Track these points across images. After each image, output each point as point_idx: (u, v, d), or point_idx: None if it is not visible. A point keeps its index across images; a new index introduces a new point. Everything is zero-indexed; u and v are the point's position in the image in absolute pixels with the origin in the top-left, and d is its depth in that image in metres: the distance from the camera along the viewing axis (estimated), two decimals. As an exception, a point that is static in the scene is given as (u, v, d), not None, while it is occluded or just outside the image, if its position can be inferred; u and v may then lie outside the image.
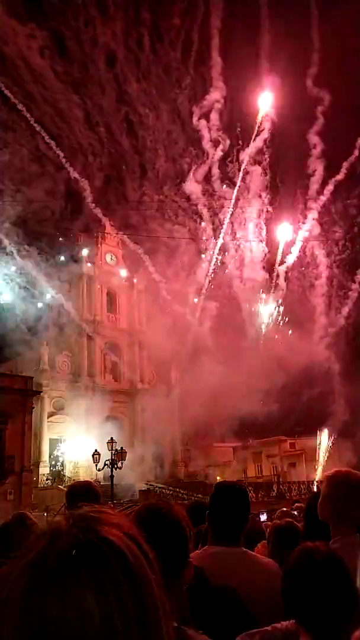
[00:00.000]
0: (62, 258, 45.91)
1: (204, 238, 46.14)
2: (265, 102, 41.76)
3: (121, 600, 0.61)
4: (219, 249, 45.96)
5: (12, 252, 40.98)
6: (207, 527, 2.55)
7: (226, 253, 46.22)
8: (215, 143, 43.86)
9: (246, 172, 44.52)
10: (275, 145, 44.11)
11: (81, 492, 3.34)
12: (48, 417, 41.87)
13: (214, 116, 42.86)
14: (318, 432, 38.72)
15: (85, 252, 47.05)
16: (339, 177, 42.82)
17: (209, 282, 45.52)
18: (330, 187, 43.00)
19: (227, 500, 2.43)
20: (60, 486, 36.29)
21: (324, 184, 43.32)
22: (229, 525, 2.38)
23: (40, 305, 44.31)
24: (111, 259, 49.28)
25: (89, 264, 46.80)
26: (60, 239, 44.82)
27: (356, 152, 42.12)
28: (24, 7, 38.38)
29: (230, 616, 1.92)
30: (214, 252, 45.87)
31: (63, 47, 41.43)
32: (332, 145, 42.93)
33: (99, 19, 40.99)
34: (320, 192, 43.23)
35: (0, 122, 40.01)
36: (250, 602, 2.07)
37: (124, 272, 48.89)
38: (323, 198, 43.25)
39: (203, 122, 43.07)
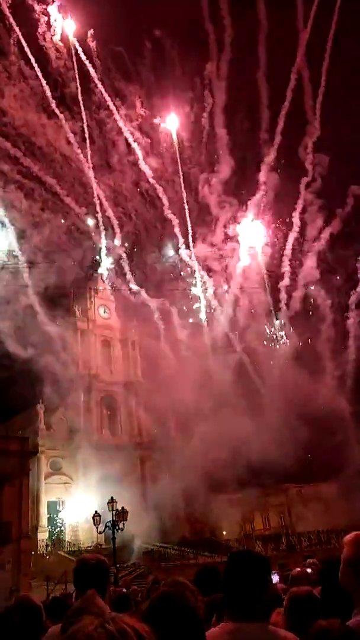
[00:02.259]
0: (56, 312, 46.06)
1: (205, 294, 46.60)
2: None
3: None
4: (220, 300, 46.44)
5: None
6: (223, 599, 2.41)
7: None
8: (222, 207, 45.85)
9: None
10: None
11: (91, 571, 3.26)
12: (45, 479, 40.61)
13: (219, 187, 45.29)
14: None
15: (78, 306, 47.40)
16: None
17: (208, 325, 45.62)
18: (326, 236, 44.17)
19: (244, 571, 2.29)
20: (60, 552, 34.73)
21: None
22: (247, 598, 2.23)
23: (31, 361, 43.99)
24: (104, 311, 49.53)
25: (82, 318, 46.95)
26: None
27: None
28: (54, 103, 42.43)
29: None
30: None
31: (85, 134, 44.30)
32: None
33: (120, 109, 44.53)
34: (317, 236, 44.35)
35: (39, 201, 43.28)
36: None
37: (116, 324, 49.08)
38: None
39: (211, 192, 45.41)
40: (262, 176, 44.85)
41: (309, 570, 6.92)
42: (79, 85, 42.63)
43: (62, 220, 44.97)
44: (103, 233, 45.11)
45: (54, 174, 43.44)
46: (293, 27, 41.29)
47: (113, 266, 46.57)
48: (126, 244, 46.93)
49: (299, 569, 6.15)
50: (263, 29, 41.60)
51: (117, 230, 45.66)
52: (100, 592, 3.04)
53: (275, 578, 6.74)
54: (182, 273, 47.95)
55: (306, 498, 41.72)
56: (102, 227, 45.03)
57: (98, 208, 44.28)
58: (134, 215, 47.95)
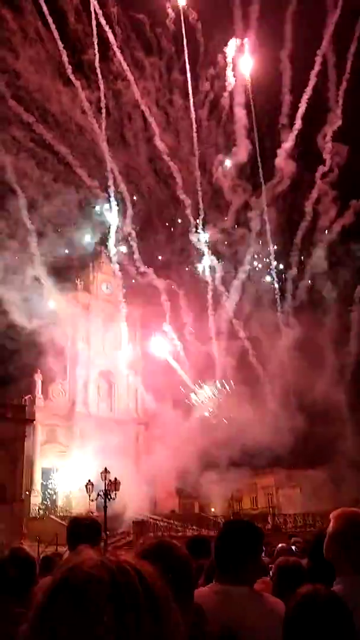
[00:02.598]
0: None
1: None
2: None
3: (140, 626, 0.64)
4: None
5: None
6: (213, 563, 2.58)
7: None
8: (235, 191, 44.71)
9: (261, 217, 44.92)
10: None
11: (83, 529, 3.33)
12: (41, 446, 41.31)
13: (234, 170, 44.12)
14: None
15: (80, 280, 47.33)
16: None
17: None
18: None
19: (238, 537, 2.45)
20: (52, 516, 35.56)
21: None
22: (237, 563, 2.41)
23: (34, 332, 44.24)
24: (107, 287, 49.47)
25: (84, 292, 46.96)
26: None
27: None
28: (70, 70, 40.04)
29: None
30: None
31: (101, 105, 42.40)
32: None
33: (137, 81, 42.34)
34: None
35: (51, 171, 42.18)
36: (256, 642, 2.12)
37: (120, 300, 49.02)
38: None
39: (225, 175, 44.32)
40: (278, 162, 43.50)
41: (292, 547, 7.23)
42: (97, 52, 40.10)
43: (76, 193, 43.61)
44: (115, 209, 44.06)
45: (67, 143, 41.75)
46: (322, 8, 39.34)
47: (120, 244, 45.64)
48: (134, 226, 45.70)
49: (283, 544, 6.42)
50: (291, 6, 40.03)
51: (129, 206, 44.48)
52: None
53: (261, 553, 7.00)
54: (190, 256, 47.32)
55: (294, 482, 42.47)
56: (113, 203, 43.93)
57: (111, 182, 42.76)
58: (146, 193, 46.88)
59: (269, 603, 2.45)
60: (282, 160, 42.98)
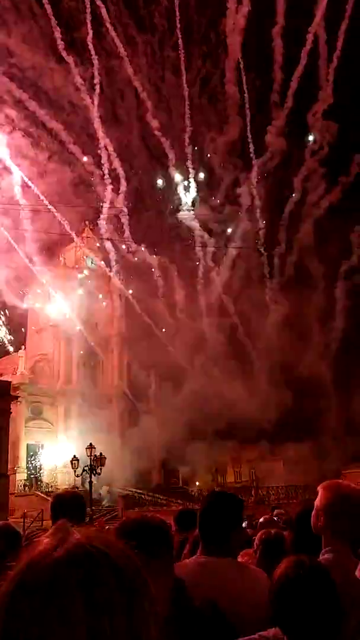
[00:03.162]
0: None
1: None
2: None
3: (112, 614, 0.59)
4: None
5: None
6: (198, 535, 2.57)
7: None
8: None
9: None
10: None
11: (67, 503, 3.27)
12: (26, 423, 41.32)
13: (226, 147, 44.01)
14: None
15: (64, 255, 46.76)
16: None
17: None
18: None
19: (220, 509, 2.44)
20: (37, 492, 35.83)
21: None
22: (221, 535, 2.40)
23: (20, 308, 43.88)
24: (91, 262, 48.98)
25: (67, 267, 46.46)
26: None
27: None
28: (63, 47, 39.61)
29: (209, 633, 1.93)
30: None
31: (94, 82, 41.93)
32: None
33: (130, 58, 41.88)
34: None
35: (45, 149, 42.26)
36: (239, 613, 2.10)
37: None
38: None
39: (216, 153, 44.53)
40: (268, 139, 43.53)
41: (275, 518, 7.34)
42: (90, 30, 39.61)
43: (70, 172, 43.63)
44: (109, 187, 43.77)
45: (61, 121, 41.75)
46: None
47: (107, 219, 45.24)
48: (126, 202, 45.47)
49: (266, 516, 6.51)
50: None
51: (124, 183, 44.06)
52: (76, 524, 3.19)
53: (244, 524, 7.11)
54: (181, 234, 47.18)
55: (278, 455, 43.31)
56: (107, 178, 43.55)
57: (104, 160, 42.58)
58: (139, 170, 46.65)
59: (252, 574, 2.45)
60: (273, 137, 43.24)
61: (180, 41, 41.74)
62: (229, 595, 2.15)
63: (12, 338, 48.87)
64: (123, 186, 43.86)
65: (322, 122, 42.46)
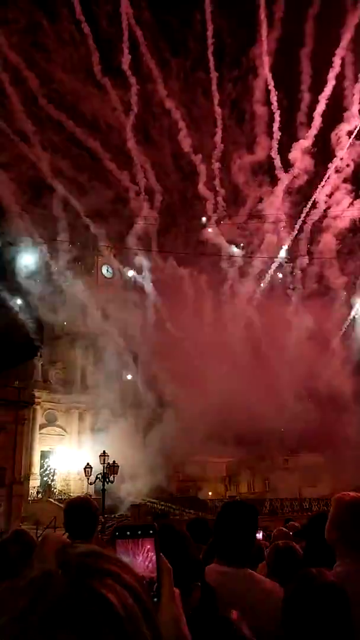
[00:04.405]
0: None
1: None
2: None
3: None
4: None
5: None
6: (213, 545, 2.57)
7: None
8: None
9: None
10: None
11: (79, 510, 3.29)
12: (40, 429, 41.55)
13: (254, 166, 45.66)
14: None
15: (83, 264, 47.24)
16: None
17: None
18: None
19: (237, 519, 2.45)
20: (50, 499, 35.91)
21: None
22: (237, 545, 2.41)
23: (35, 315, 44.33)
24: (107, 270, 49.32)
25: (85, 276, 46.85)
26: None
27: None
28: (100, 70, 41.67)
29: None
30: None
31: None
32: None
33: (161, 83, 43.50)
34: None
35: (84, 169, 43.96)
36: (252, 625, 2.10)
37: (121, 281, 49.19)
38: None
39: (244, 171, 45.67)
40: (294, 157, 44.42)
41: (290, 533, 7.25)
42: (127, 54, 41.40)
43: (107, 189, 45.22)
44: (144, 204, 45.38)
45: (99, 142, 43.49)
46: (342, 8, 39.44)
47: (139, 233, 46.50)
48: (157, 216, 46.86)
49: (280, 528, 6.45)
50: (313, 6, 40.11)
51: (158, 199, 45.59)
52: (88, 531, 3.19)
53: (259, 535, 7.06)
54: (208, 248, 48.00)
55: (292, 466, 42.83)
56: (143, 195, 45.05)
57: (139, 177, 44.50)
58: (170, 188, 47.88)
59: (265, 585, 2.45)
60: (298, 155, 44.34)
61: (211, 64, 43.24)
62: (242, 606, 2.15)
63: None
64: (157, 201, 45.67)
65: (348, 141, 43.43)
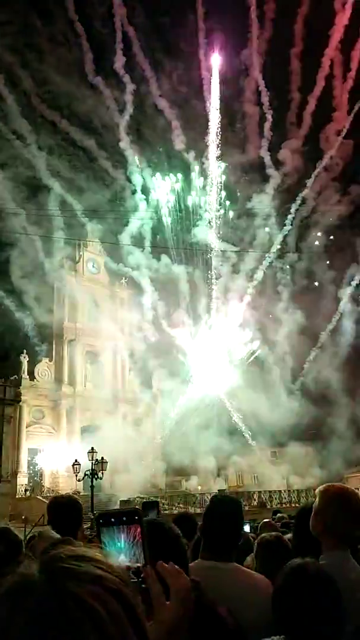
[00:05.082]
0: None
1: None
2: None
3: None
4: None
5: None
6: (200, 540, 2.56)
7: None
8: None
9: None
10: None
11: (63, 507, 3.29)
12: (27, 427, 41.26)
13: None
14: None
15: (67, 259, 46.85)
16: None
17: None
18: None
19: (223, 513, 2.44)
20: (39, 497, 35.71)
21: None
22: (223, 539, 2.39)
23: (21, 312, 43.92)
24: (93, 266, 49.03)
25: (70, 271, 46.51)
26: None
27: None
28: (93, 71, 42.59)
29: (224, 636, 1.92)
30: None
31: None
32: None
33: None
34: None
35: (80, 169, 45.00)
36: (241, 619, 2.08)
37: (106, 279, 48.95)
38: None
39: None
40: (286, 157, 45.39)
41: (278, 523, 7.29)
42: (120, 55, 42.57)
43: (104, 187, 46.18)
44: (144, 204, 46.01)
45: (95, 142, 44.67)
46: (331, 9, 40.36)
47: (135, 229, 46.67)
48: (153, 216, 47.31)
49: (267, 520, 6.48)
50: (302, 7, 41.36)
51: (153, 195, 46.40)
52: (72, 527, 3.17)
53: (246, 528, 7.08)
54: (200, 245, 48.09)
55: (280, 459, 43.21)
56: (139, 194, 45.92)
57: (135, 175, 45.46)
58: (164, 184, 48.37)
59: (252, 579, 2.43)
60: (289, 154, 45.50)
61: (202, 64, 44.45)
62: (231, 600, 2.14)
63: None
64: (152, 196, 46.48)
65: (337, 140, 44.51)
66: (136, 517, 0.98)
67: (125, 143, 44.23)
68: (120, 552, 0.96)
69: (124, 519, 0.98)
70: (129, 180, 45.56)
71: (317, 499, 2.39)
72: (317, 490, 2.46)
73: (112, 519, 0.98)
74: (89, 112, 44.86)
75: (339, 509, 2.28)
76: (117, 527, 0.97)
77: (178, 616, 0.97)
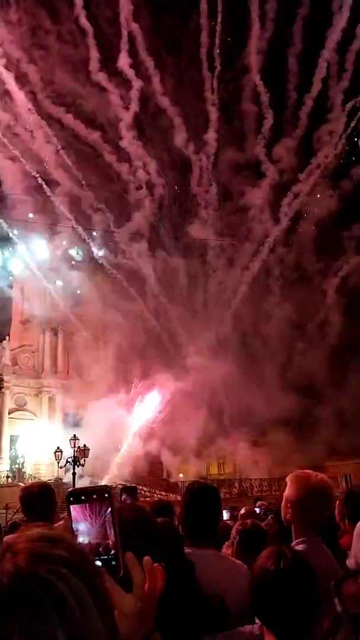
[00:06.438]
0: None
1: None
2: None
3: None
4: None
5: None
6: (179, 527, 2.59)
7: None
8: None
9: None
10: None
11: (36, 495, 3.26)
12: (9, 414, 41.03)
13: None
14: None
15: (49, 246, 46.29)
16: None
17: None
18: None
19: (201, 501, 2.48)
20: (20, 483, 35.66)
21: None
22: (202, 526, 2.43)
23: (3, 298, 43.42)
24: (77, 253, 48.55)
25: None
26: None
27: None
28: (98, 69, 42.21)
29: (214, 619, 1.95)
30: None
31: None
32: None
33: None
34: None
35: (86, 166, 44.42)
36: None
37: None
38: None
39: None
40: (281, 155, 45.60)
41: (257, 510, 7.41)
42: (126, 54, 42.04)
43: (110, 183, 45.69)
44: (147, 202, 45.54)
45: (101, 139, 44.19)
46: (329, 10, 40.46)
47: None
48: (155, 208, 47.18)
49: (247, 507, 6.57)
50: (302, 8, 41.60)
51: (156, 192, 46.27)
52: (46, 515, 3.15)
53: (225, 515, 7.19)
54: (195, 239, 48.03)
55: (261, 447, 43.63)
56: (140, 188, 45.64)
57: (140, 173, 45.28)
58: (165, 186, 48.29)
59: (232, 566, 2.48)
60: (284, 153, 45.76)
61: (204, 64, 44.33)
62: (210, 586, 2.18)
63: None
64: (155, 194, 46.49)
65: (330, 139, 45.00)
66: (106, 495, 0.99)
67: (128, 140, 44.34)
68: (90, 529, 0.97)
69: (94, 496, 0.98)
70: (133, 175, 45.62)
71: (292, 486, 2.42)
72: (287, 479, 2.49)
73: (83, 497, 0.98)
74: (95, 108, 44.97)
75: (307, 496, 2.31)
76: (88, 504, 0.98)
77: (150, 607, 1.00)
